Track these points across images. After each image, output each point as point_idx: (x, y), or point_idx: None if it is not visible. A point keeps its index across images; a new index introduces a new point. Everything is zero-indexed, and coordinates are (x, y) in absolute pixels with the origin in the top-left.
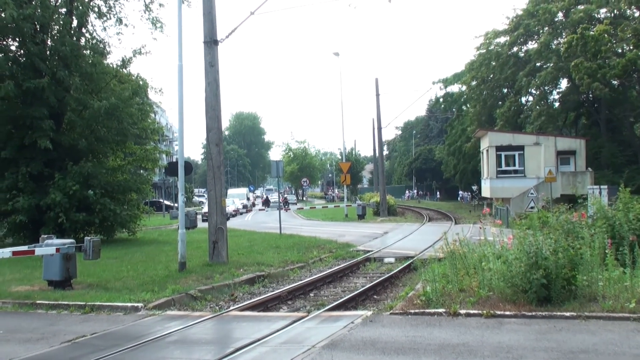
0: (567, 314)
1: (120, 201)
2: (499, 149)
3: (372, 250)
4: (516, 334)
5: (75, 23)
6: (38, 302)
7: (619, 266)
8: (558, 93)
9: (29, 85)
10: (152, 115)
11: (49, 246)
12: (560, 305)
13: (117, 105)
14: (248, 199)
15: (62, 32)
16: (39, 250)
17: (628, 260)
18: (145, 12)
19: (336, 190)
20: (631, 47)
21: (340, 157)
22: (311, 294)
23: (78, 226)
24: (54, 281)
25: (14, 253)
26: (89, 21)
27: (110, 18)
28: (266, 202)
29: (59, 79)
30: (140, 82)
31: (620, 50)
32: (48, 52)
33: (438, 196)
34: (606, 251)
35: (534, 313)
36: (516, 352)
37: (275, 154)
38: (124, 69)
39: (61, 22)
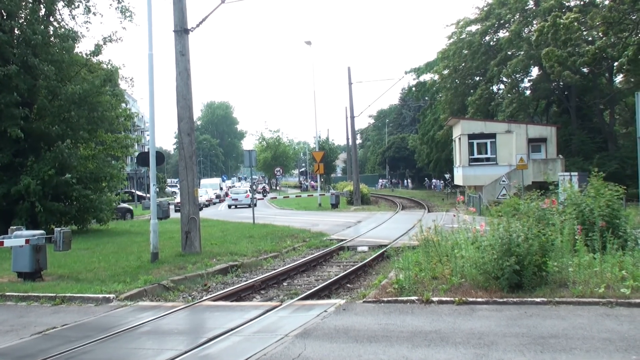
0: (538, 299)
1: (92, 190)
2: (471, 137)
3: (345, 239)
4: (488, 320)
5: (43, 11)
6: (7, 294)
7: (589, 252)
8: (529, 81)
9: None
10: (124, 105)
11: (18, 237)
12: (531, 291)
13: (90, 91)
14: (221, 188)
15: (29, 21)
16: (7, 242)
17: (598, 246)
18: (114, 1)
19: (311, 182)
20: (600, 35)
21: (313, 146)
22: (284, 283)
23: (54, 218)
24: (23, 273)
25: None
26: (57, 9)
27: (79, 7)
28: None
29: (30, 67)
30: (112, 69)
31: (590, 38)
32: (16, 41)
33: (407, 184)
34: (576, 237)
35: (505, 299)
36: (487, 338)
37: (248, 144)
38: (94, 57)
39: (29, 10)
